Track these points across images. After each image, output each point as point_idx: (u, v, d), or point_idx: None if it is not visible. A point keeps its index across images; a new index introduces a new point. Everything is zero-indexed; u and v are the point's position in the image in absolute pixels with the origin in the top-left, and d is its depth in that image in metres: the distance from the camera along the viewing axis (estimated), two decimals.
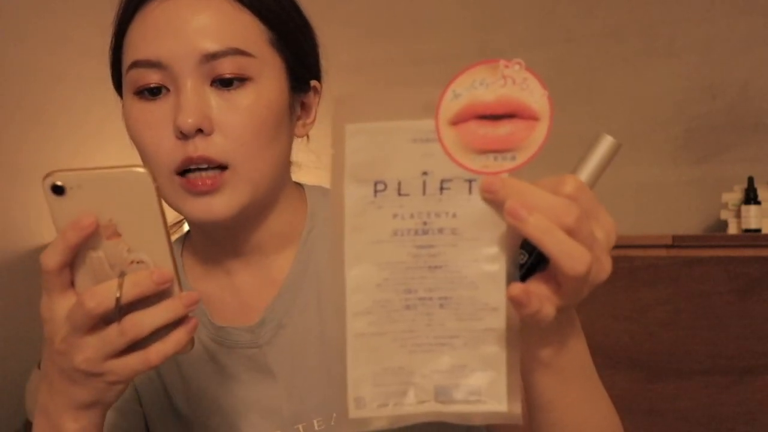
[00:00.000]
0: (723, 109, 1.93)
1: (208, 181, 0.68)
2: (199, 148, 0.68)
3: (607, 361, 1.58)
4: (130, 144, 0.74)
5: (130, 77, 0.71)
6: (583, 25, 2.10)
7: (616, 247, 1.75)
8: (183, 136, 0.68)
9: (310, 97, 0.78)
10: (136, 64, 0.70)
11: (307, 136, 0.80)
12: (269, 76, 0.72)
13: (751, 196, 1.64)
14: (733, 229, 1.68)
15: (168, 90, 0.70)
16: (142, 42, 0.70)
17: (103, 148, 2.36)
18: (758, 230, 1.61)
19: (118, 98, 0.77)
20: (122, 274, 0.54)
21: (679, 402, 1.53)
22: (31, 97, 2.17)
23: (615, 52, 2.06)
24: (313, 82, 0.78)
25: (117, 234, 0.53)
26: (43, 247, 2.31)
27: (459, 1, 2.28)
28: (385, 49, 2.32)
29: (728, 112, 1.93)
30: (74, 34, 2.28)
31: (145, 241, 0.54)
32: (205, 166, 0.68)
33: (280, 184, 0.76)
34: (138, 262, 0.54)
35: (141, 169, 0.52)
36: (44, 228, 2.20)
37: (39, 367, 1.93)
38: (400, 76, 2.32)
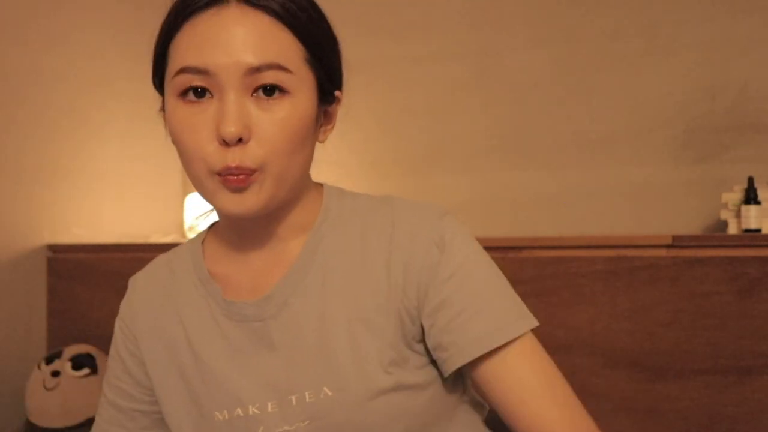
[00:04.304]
0: (723, 109, 1.93)
1: (242, 177, 0.76)
2: (236, 158, 0.76)
3: (607, 361, 1.58)
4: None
5: (177, 81, 0.78)
6: (583, 25, 2.10)
7: (616, 247, 1.77)
8: (224, 143, 0.76)
9: (333, 106, 0.87)
10: (184, 70, 0.77)
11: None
12: (303, 90, 0.79)
13: (751, 196, 1.64)
14: (733, 229, 1.68)
15: (211, 95, 0.77)
16: (190, 51, 0.77)
17: (105, 147, 2.37)
18: (758, 230, 1.62)
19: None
20: None
21: (679, 402, 1.53)
22: (33, 98, 2.17)
23: (615, 52, 2.06)
24: (337, 93, 0.86)
25: None
26: (43, 247, 2.30)
27: (459, 1, 2.28)
28: (385, 49, 2.32)
29: (728, 112, 1.93)
30: (75, 34, 2.28)
31: None
32: (239, 173, 0.77)
33: (302, 184, 0.85)
34: None
35: None
36: (45, 228, 2.20)
37: (39, 368, 1.93)
38: (400, 76, 2.33)
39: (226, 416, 0.83)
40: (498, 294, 0.83)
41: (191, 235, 2.33)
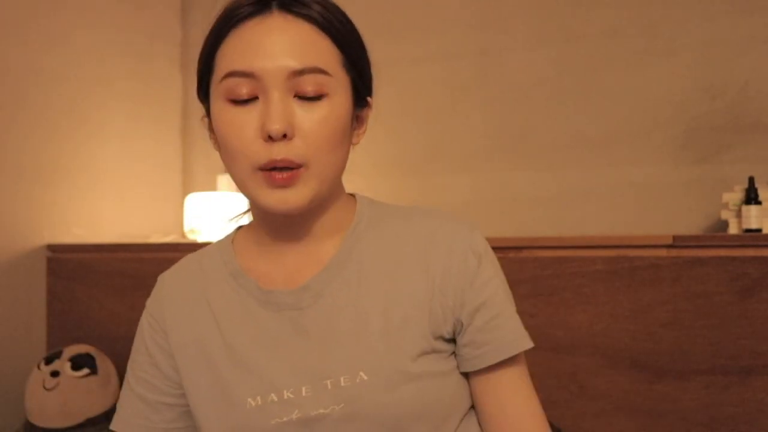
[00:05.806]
0: (723, 109, 1.93)
1: (286, 175, 0.81)
2: (282, 152, 0.81)
3: (608, 361, 1.58)
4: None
5: (225, 85, 0.83)
6: (583, 25, 2.10)
7: (616, 247, 1.78)
8: (270, 139, 0.81)
9: (365, 111, 0.93)
10: (232, 74, 0.83)
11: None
12: (341, 92, 0.85)
13: (751, 196, 1.64)
14: (733, 229, 1.68)
15: (256, 98, 0.83)
16: (238, 56, 0.83)
17: (105, 147, 2.37)
18: (759, 230, 1.61)
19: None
20: None
21: (679, 402, 1.53)
22: (33, 98, 2.17)
23: (615, 52, 2.06)
24: (368, 98, 0.93)
25: None
26: (43, 247, 2.29)
27: (459, 1, 2.28)
28: (385, 49, 2.32)
29: (728, 112, 1.93)
30: (75, 34, 2.28)
31: None
32: (284, 167, 0.81)
33: (338, 185, 0.91)
34: None
35: None
36: (45, 228, 2.20)
37: (38, 368, 1.93)
38: (400, 76, 2.32)
39: (259, 402, 0.86)
40: (513, 306, 0.93)
41: (191, 235, 2.33)
